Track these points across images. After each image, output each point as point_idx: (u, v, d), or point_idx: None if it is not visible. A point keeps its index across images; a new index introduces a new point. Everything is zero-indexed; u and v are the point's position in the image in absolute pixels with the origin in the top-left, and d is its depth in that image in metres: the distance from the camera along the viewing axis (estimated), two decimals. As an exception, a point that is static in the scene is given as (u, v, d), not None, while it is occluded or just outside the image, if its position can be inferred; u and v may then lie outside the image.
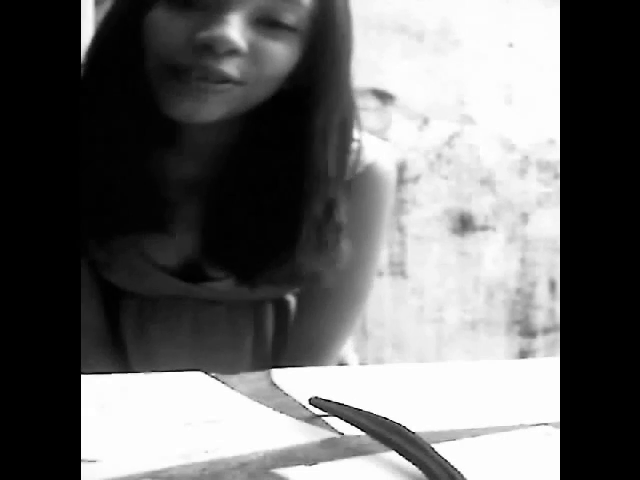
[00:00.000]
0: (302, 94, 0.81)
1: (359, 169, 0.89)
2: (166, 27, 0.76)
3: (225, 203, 0.86)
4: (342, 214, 0.85)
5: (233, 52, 0.75)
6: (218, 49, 0.74)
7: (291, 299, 0.97)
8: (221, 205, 0.86)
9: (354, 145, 0.89)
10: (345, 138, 0.85)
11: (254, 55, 0.76)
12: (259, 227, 0.84)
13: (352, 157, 0.88)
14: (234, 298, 0.93)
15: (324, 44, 0.80)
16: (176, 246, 0.89)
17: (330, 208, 0.84)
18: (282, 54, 0.78)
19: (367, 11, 1.94)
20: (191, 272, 0.90)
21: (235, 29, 0.74)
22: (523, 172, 2.16)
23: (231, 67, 0.75)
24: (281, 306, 0.97)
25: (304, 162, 0.81)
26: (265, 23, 0.77)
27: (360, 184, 0.90)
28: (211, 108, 0.77)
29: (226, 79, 0.76)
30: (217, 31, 0.74)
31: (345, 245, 0.86)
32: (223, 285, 0.90)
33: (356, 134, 0.89)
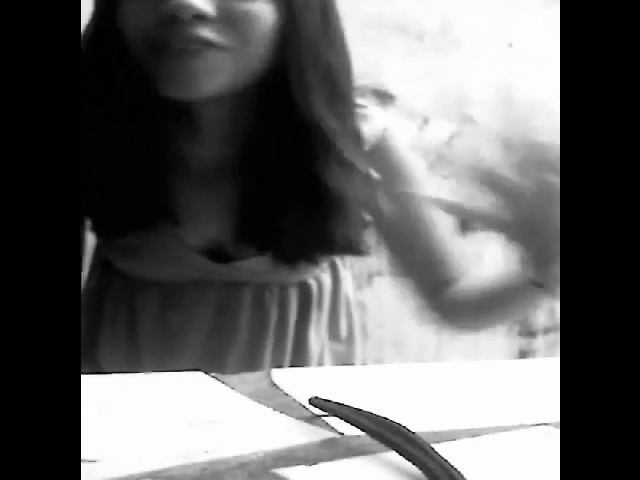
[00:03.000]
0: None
1: (376, 138, 0.92)
2: (135, 11, 0.78)
3: (252, 183, 0.87)
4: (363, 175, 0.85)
5: (201, 17, 0.76)
6: (183, 15, 0.75)
7: (313, 284, 0.98)
8: (250, 185, 0.87)
9: (364, 112, 0.91)
10: (335, 87, 0.84)
11: (228, 17, 0.77)
12: (285, 200, 0.85)
13: (369, 126, 0.90)
14: (261, 278, 0.93)
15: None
16: (204, 229, 0.90)
17: (342, 164, 0.84)
18: (258, 12, 0.78)
19: (366, 11, 1.93)
20: (218, 253, 0.91)
21: None
22: (523, 172, 2.15)
23: (205, 31, 0.76)
24: (305, 290, 0.97)
25: (299, 119, 0.82)
26: None
27: (380, 151, 0.92)
28: (205, 80, 0.78)
29: (203, 43, 0.76)
30: None
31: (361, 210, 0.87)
32: (252, 262, 0.90)
33: (364, 102, 0.91)
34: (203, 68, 0.78)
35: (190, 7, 0.75)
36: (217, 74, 0.79)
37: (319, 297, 0.98)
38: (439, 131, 2.09)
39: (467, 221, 0.98)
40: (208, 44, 0.77)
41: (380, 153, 0.92)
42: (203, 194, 0.88)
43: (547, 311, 2.22)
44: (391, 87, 2.03)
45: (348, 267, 1.05)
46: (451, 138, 2.11)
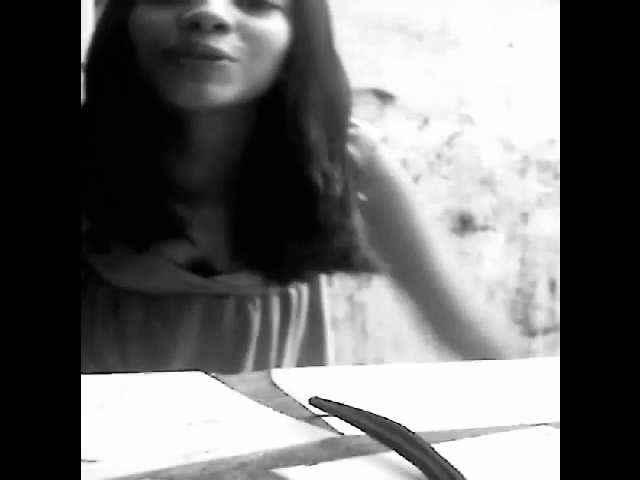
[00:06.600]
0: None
1: (365, 160, 0.92)
2: (151, 18, 0.79)
3: (244, 202, 0.87)
4: (339, 189, 0.86)
5: (220, 28, 0.77)
6: (205, 25, 0.76)
7: (294, 293, 0.98)
8: (240, 205, 0.87)
9: (355, 132, 0.91)
10: (333, 115, 0.85)
11: (243, 31, 0.79)
12: (278, 220, 0.86)
13: (358, 147, 0.91)
14: (244, 291, 0.93)
15: (302, 20, 0.82)
16: (193, 247, 0.89)
17: (326, 182, 0.84)
18: (271, 30, 0.80)
19: (366, 11, 1.93)
20: (203, 267, 0.91)
21: (219, 5, 0.77)
22: (523, 172, 2.15)
23: (222, 43, 0.78)
24: (286, 299, 0.97)
25: (293, 143, 0.83)
26: (248, 3, 0.79)
27: (369, 173, 0.93)
28: (212, 89, 0.78)
29: (219, 55, 0.77)
30: (201, 8, 0.76)
31: (356, 221, 0.88)
32: (236, 278, 0.91)
33: (356, 124, 0.92)
34: (215, 78, 0.78)
35: (213, 17, 0.76)
36: (227, 85, 0.79)
37: (298, 305, 0.99)
38: (439, 131, 2.09)
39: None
40: (223, 56, 0.78)
41: (371, 174, 0.93)
42: (194, 212, 0.88)
43: (547, 311, 2.22)
44: (391, 87, 2.03)
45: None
46: (451, 138, 2.11)
